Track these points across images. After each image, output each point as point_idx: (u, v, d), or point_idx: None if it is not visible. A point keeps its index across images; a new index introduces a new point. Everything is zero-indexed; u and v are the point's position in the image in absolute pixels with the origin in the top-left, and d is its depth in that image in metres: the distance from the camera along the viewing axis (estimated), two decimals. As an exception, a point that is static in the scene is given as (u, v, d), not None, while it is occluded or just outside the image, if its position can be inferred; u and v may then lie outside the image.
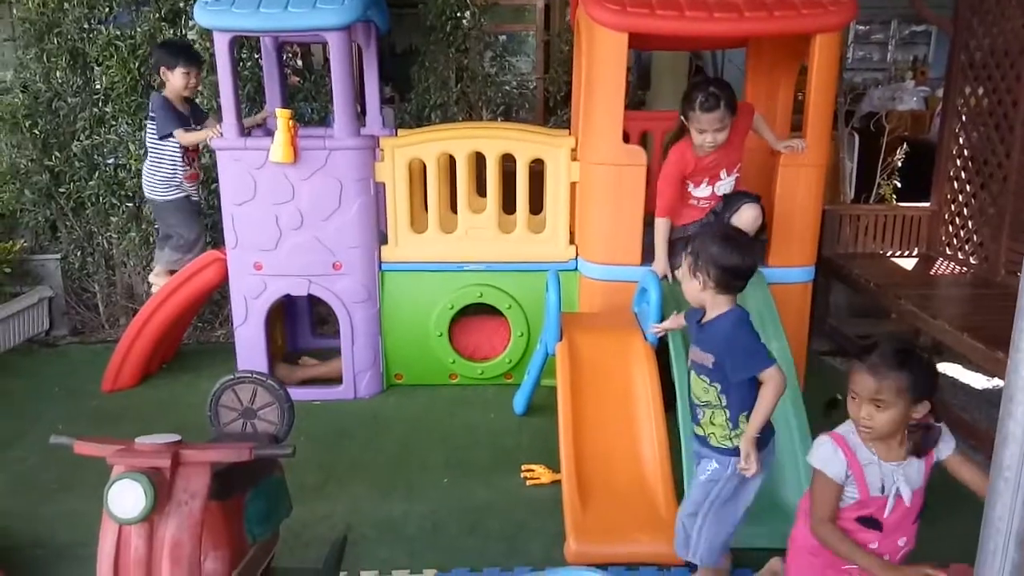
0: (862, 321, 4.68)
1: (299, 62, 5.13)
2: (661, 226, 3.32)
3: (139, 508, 1.62)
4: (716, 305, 2.18)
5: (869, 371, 1.87)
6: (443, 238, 3.75)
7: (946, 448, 1.95)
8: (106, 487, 1.63)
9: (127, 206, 4.60)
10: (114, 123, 4.49)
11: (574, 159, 3.62)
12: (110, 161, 4.58)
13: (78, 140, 4.52)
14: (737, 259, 2.13)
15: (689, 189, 3.32)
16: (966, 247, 4.33)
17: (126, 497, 1.62)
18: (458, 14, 4.82)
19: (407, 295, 3.78)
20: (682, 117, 3.20)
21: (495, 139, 3.69)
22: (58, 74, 4.44)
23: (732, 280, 2.15)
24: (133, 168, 4.48)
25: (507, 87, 5.40)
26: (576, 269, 3.71)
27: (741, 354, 2.11)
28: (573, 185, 3.67)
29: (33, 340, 4.67)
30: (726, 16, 3.23)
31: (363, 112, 4.35)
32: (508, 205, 3.80)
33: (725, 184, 3.31)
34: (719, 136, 3.10)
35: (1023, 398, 1.08)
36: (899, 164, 4.96)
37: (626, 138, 3.84)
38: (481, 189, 3.90)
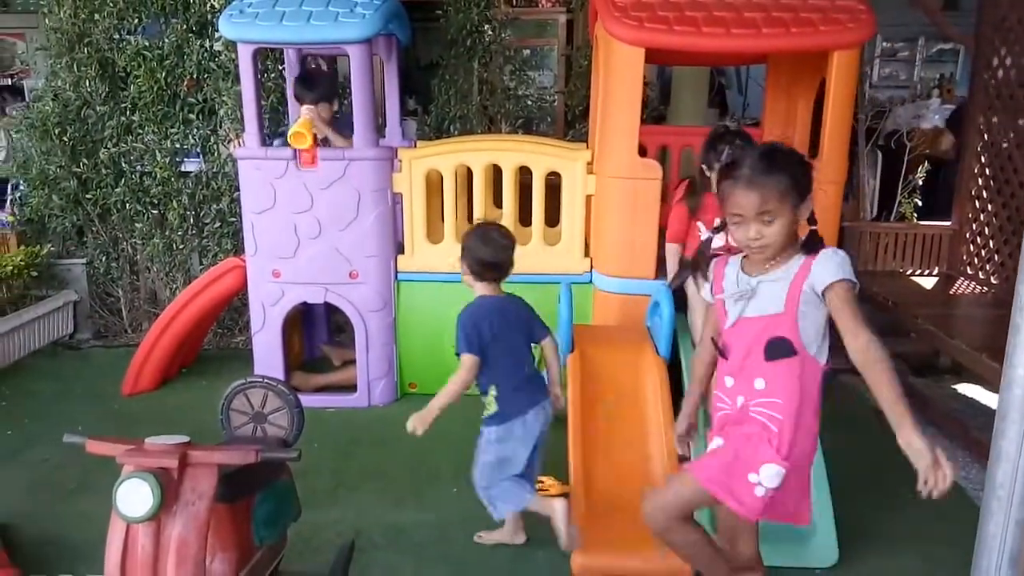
0: (882, 340, 4.63)
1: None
2: (672, 250, 3.24)
3: (146, 507, 1.66)
4: (476, 291, 2.58)
5: (747, 186, 1.80)
6: (459, 249, 3.77)
7: (820, 279, 1.77)
8: (115, 486, 1.66)
9: (151, 213, 4.68)
10: (141, 132, 4.58)
11: (590, 172, 3.64)
12: (136, 169, 4.67)
13: (105, 148, 4.61)
14: (488, 253, 2.51)
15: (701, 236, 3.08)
16: (987, 266, 4.29)
17: (134, 496, 1.65)
18: (478, 28, 4.86)
19: (422, 304, 3.81)
20: (703, 166, 3.04)
21: (511, 151, 3.72)
22: (87, 83, 4.54)
23: (483, 271, 2.53)
24: (158, 176, 4.56)
25: (529, 100, 5.44)
26: (591, 282, 3.72)
27: (457, 333, 2.51)
28: (589, 198, 3.69)
29: (58, 343, 4.76)
30: (744, 32, 3.23)
31: (384, 123, 4.41)
32: (525, 217, 3.83)
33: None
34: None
35: (1017, 416, 1.07)
36: (919, 183, 4.92)
37: (644, 152, 3.86)
38: (498, 201, 3.93)
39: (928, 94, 8.16)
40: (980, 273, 4.34)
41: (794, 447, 1.84)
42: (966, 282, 4.38)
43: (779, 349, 1.84)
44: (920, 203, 4.96)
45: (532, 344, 2.67)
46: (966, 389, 4.10)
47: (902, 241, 4.60)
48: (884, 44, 9.59)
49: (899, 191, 4.96)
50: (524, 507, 2.57)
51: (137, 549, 1.71)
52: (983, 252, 4.33)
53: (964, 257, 4.48)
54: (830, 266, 1.77)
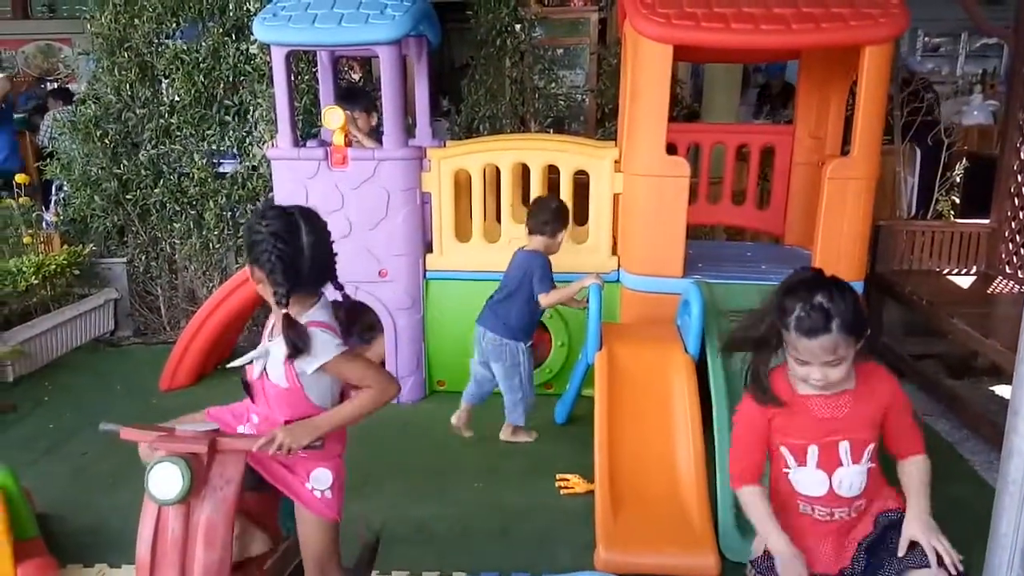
0: (917, 340, 4.55)
1: (354, 76, 5.26)
2: (747, 498, 1.94)
3: (176, 490, 1.73)
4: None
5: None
6: (487, 247, 3.81)
7: (307, 363, 1.82)
8: (146, 470, 1.74)
9: (189, 213, 4.78)
10: (179, 134, 4.68)
11: (618, 170, 3.64)
12: (175, 170, 4.77)
13: (145, 150, 4.72)
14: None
15: (788, 472, 1.90)
16: (1026, 265, 4.19)
17: (165, 479, 1.73)
18: (508, 28, 4.89)
19: (451, 303, 3.84)
20: (783, 329, 1.83)
21: (539, 150, 3.74)
22: (127, 86, 4.65)
23: None
24: (196, 177, 4.66)
25: (560, 100, 5.45)
26: (619, 280, 3.72)
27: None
28: (617, 196, 3.68)
29: (99, 340, 4.89)
30: (773, 28, 3.21)
31: (415, 124, 4.46)
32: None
33: (849, 476, 1.86)
34: (832, 373, 1.80)
35: (1028, 412, 1.06)
36: (958, 179, 4.82)
37: (674, 150, 3.84)
38: (526, 200, 3.94)
39: (970, 89, 8.00)
40: (1019, 272, 4.24)
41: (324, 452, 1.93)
42: (1004, 281, 4.28)
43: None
44: (957, 200, 4.85)
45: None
46: (1004, 391, 4.01)
47: (939, 240, 4.50)
48: (925, 39, 9.42)
49: (936, 188, 4.86)
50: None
51: (167, 532, 1.78)
52: (1022, 251, 4.22)
53: (1003, 256, 4.38)
54: (315, 358, 1.83)
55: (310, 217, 1.88)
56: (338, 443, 2.01)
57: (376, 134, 4.09)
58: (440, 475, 3.19)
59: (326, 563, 1.99)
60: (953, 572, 1.67)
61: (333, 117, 3.58)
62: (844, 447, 1.85)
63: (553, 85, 5.33)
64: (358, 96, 4.15)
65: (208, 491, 1.79)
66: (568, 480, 3.10)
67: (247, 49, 4.59)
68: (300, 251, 1.82)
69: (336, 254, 1.96)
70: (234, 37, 4.57)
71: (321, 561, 1.98)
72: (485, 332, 3.34)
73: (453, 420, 3.46)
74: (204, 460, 1.79)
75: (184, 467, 1.73)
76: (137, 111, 4.71)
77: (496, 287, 3.40)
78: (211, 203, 4.69)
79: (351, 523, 2.74)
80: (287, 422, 1.88)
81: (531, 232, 3.32)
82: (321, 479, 1.94)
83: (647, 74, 3.36)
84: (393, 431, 3.57)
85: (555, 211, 3.30)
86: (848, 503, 1.87)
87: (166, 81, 4.68)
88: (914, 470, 1.87)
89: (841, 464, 1.86)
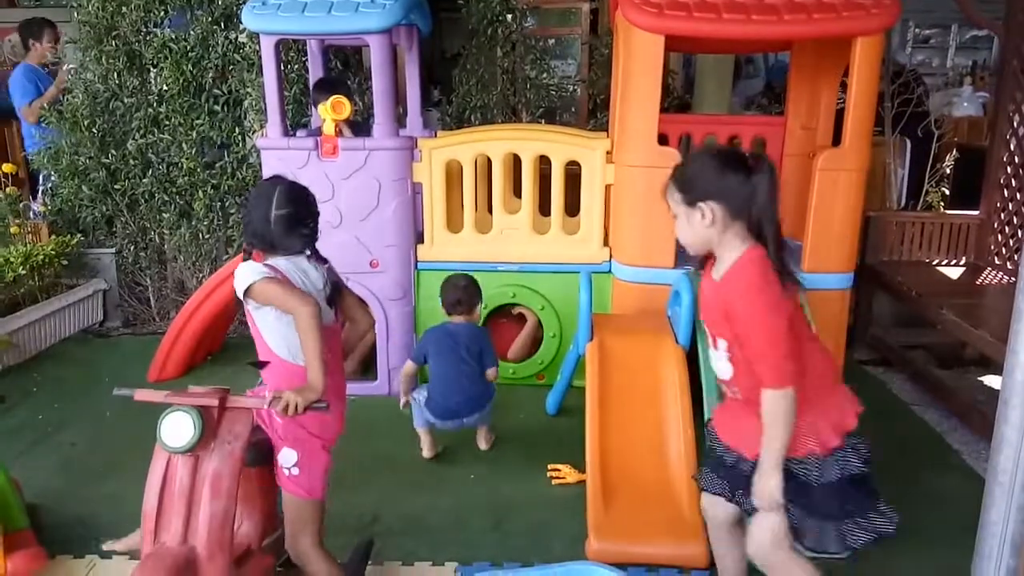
0: (907, 331, 4.58)
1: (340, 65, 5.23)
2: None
3: (188, 437, 1.81)
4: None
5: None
6: (478, 238, 3.80)
7: (238, 290, 2.01)
8: (159, 419, 1.82)
9: (178, 203, 4.74)
10: (167, 123, 4.63)
11: (609, 161, 3.63)
12: (163, 159, 4.74)
13: (133, 139, 4.68)
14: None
15: None
16: (1015, 256, 4.21)
17: (177, 427, 1.82)
18: (499, 18, 4.87)
19: (442, 294, 3.83)
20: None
21: (531, 141, 3.72)
22: (115, 75, 4.61)
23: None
24: (184, 167, 4.62)
25: (552, 91, 5.44)
26: (610, 271, 3.72)
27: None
28: (608, 187, 3.68)
29: (87, 330, 4.86)
30: (764, 19, 3.20)
31: (405, 113, 4.44)
32: (545, 206, 3.83)
33: (714, 357, 1.95)
34: (677, 228, 1.92)
35: (1019, 402, 1.07)
36: (948, 171, 4.84)
37: (665, 140, 3.84)
38: (518, 190, 3.94)
39: (960, 81, 8.04)
40: (1008, 263, 4.27)
41: (290, 433, 2.05)
42: (993, 272, 4.31)
43: (262, 365, 2.09)
44: (947, 192, 4.88)
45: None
46: (992, 380, 4.04)
47: (929, 231, 4.52)
48: (916, 30, 9.45)
49: (926, 180, 4.88)
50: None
51: (175, 482, 1.85)
52: (1011, 242, 4.25)
53: (992, 247, 4.41)
54: (239, 279, 1.99)
55: (290, 191, 2.09)
56: (314, 427, 2.06)
57: (351, 125, 4.06)
58: (433, 466, 3.20)
59: (298, 535, 2.08)
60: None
61: (341, 107, 3.55)
62: (710, 334, 1.95)
63: (544, 75, 5.31)
64: (335, 85, 4.10)
65: (217, 444, 1.87)
66: (560, 470, 3.11)
67: (236, 38, 4.55)
68: (267, 219, 2.02)
69: (316, 227, 2.16)
70: (223, 25, 4.53)
71: (294, 532, 2.09)
72: (466, 420, 3.23)
73: (426, 454, 3.27)
74: (215, 414, 1.87)
75: (196, 416, 1.82)
76: (125, 100, 4.67)
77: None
78: (200, 193, 4.65)
79: (345, 514, 2.76)
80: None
81: (449, 313, 3.27)
82: (287, 457, 2.05)
83: (639, 64, 3.35)
84: (385, 422, 3.56)
85: (465, 290, 3.25)
86: (725, 383, 1.94)
87: (154, 70, 4.64)
88: (761, 410, 1.73)
89: (714, 345, 1.94)
